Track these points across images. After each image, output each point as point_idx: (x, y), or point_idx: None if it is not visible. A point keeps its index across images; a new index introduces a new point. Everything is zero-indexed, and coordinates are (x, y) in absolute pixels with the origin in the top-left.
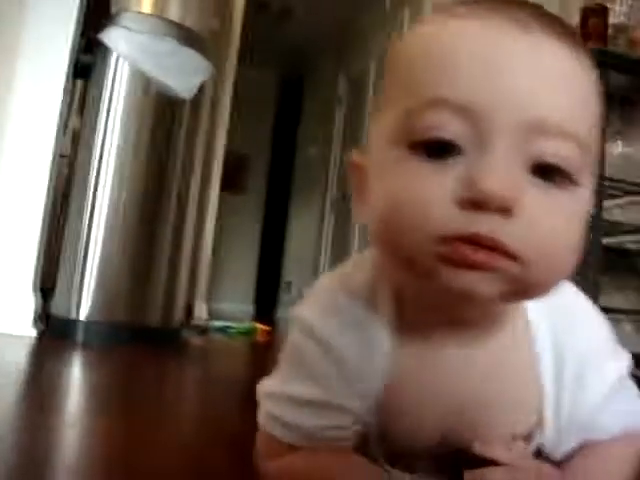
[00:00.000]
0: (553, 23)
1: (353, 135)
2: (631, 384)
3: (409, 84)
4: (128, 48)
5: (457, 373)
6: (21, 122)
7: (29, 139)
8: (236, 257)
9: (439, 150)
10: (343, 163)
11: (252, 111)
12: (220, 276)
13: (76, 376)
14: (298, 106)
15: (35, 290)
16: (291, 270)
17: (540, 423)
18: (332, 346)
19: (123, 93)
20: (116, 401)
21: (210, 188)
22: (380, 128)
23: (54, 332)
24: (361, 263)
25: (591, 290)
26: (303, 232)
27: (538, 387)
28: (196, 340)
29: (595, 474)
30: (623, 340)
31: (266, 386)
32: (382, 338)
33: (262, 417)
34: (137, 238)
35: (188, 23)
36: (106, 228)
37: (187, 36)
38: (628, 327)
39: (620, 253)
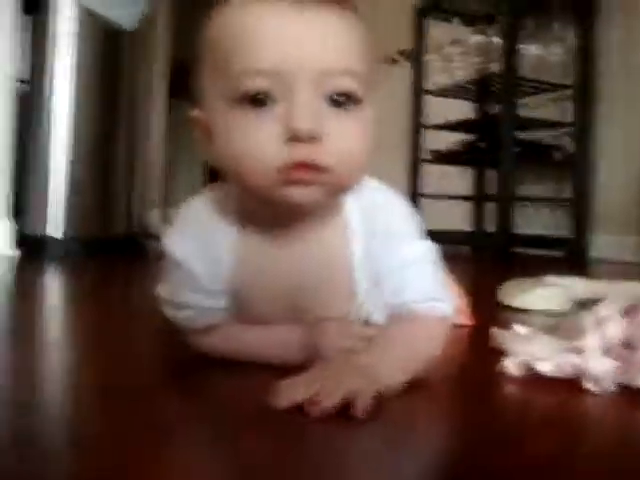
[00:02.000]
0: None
1: None
2: (433, 268)
3: (229, 58)
4: None
5: (289, 263)
6: None
7: None
8: (187, 163)
9: (260, 102)
10: None
11: (197, 13)
12: (173, 182)
13: (57, 283)
14: None
15: (9, 214)
16: None
17: (354, 295)
18: (188, 267)
19: (70, 26)
20: (94, 296)
21: (155, 94)
22: (213, 90)
23: (29, 251)
24: (214, 189)
25: (508, 180)
26: None
27: (352, 264)
28: (157, 247)
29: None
30: (541, 223)
31: (161, 292)
32: (228, 241)
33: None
34: (95, 156)
35: None
36: (67, 152)
37: None
38: (546, 211)
39: (536, 146)
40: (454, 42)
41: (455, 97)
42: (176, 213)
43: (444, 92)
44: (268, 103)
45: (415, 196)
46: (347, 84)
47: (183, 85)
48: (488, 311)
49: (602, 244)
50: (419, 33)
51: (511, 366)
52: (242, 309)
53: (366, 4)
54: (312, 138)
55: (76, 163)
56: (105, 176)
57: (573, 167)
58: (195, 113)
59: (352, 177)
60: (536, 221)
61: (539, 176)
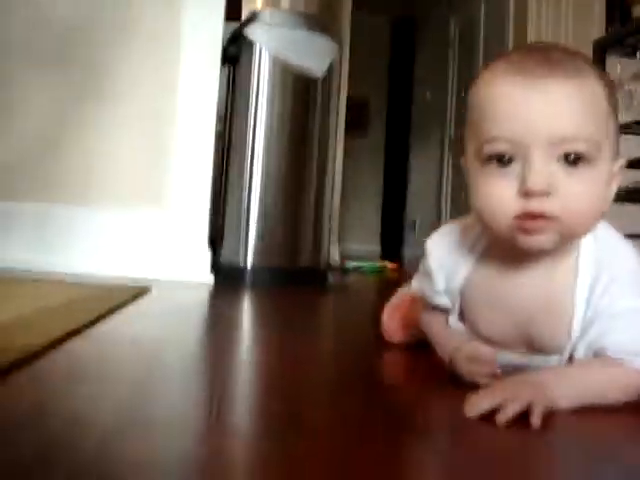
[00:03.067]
0: (557, 59)
1: (467, 76)
2: None
3: (480, 124)
4: (268, 40)
5: (516, 296)
6: (188, 101)
7: (196, 117)
8: (361, 200)
9: (501, 163)
10: (458, 105)
11: (367, 56)
12: (348, 219)
13: (248, 308)
14: (411, 50)
15: (208, 244)
16: (415, 210)
17: (570, 333)
18: (440, 262)
19: (267, 76)
20: (280, 324)
21: (337, 135)
22: (470, 149)
23: (224, 278)
24: (470, 219)
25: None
26: (424, 172)
27: (574, 305)
28: (335, 279)
29: (575, 376)
30: None
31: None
32: (467, 266)
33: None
34: (286, 195)
35: (313, 10)
36: (261, 189)
37: (316, 24)
38: None
39: None
40: (636, 77)
41: (638, 134)
42: (442, 227)
43: (626, 130)
44: (508, 163)
45: None
46: (576, 147)
47: (356, 121)
48: None
49: None
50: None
51: None
52: (469, 321)
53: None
54: (543, 194)
55: (268, 200)
56: (294, 212)
57: None
58: (462, 162)
59: (580, 227)
60: None
61: None
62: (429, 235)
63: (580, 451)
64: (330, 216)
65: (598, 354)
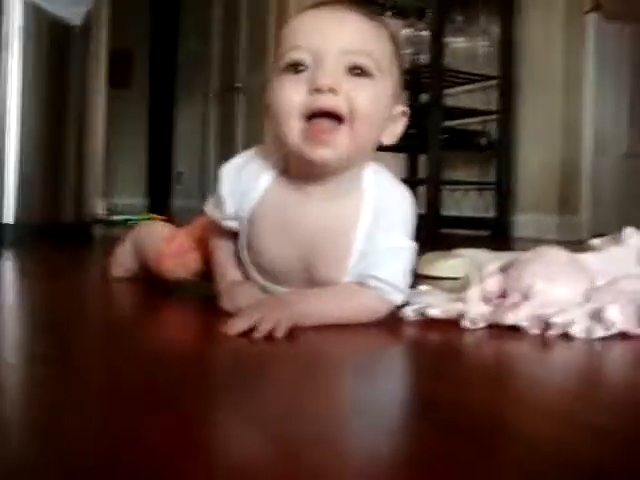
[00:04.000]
0: (358, 9)
1: (232, 26)
2: (407, 265)
3: (287, 42)
4: None
5: (306, 218)
6: None
7: None
8: (127, 153)
9: (297, 70)
10: (224, 56)
11: (130, 5)
12: (112, 172)
13: (8, 265)
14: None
15: None
16: (181, 161)
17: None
18: (230, 188)
19: (20, 24)
20: (41, 277)
21: (98, 86)
22: (275, 69)
23: None
24: (263, 146)
25: (436, 165)
26: (189, 124)
27: (356, 235)
28: (101, 233)
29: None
30: (468, 205)
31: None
32: (262, 183)
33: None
34: (46, 149)
35: None
36: (18, 145)
37: None
38: (473, 195)
39: (463, 134)
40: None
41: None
42: (236, 156)
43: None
44: (303, 70)
45: None
46: (360, 60)
47: (121, 74)
48: None
49: (524, 223)
50: None
51: (409, 312)
52: (253, 249)
53: None
54: (330, 90)
55: (27, 155)
56: (55, 166)
57: (497, 152)
58: (266, 100)
59: (365, 138)
60: (464, 203)
61: (466, 161)
62: (195, 186)
63: (312, 356)
64: (94, 170)
65: (362, 280)
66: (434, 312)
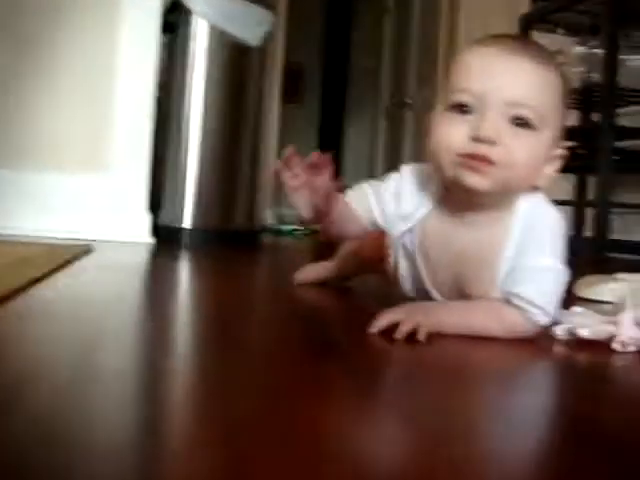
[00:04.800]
0: (532, 49)
1: (402, 43)
2: (555, 287)
3: (455, 80)
4: (205, 9)
5: (459, 241)
6: (128, 69)
7: (136, 85)
8: None
9: (461, 110)
10: (394, 70)
11: (304, 22)
12: (281, 183)
13: (186, 265)
14: (348, 16)
15: (148, 206)
16: (348, 176)
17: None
18: (398, 189)
19: (204, 45)
20: (216, 277)
21: (272, 101)
22: (441, 100)
23: (163, 240)
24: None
25: (605, 187)
26: (358, 139)
27: (503, 257)
28: (269, 241)
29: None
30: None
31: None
32: (428, 199)
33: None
34: (222, 160)
35: None
36: (198, 154)
37: None
38: None
39: (636, 155)
40: (557, 52)
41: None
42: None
43: None
44: (467, 112)
45: None
46: (525, 113)
47: (292, 89)
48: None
49: None
50: None
51: (558, 330)
52: (408, 264)
53: (474, 15)
54: (491, 142)
55: (205, 165)
56: (230, 176)
57: None
58: (428, 118)
59: (516, 179)
60: (635, 228)
61: (639, 184)
62: None
63: (458, 364)
64: (265, 181)
65: (506, 301)
66: (584, 332)
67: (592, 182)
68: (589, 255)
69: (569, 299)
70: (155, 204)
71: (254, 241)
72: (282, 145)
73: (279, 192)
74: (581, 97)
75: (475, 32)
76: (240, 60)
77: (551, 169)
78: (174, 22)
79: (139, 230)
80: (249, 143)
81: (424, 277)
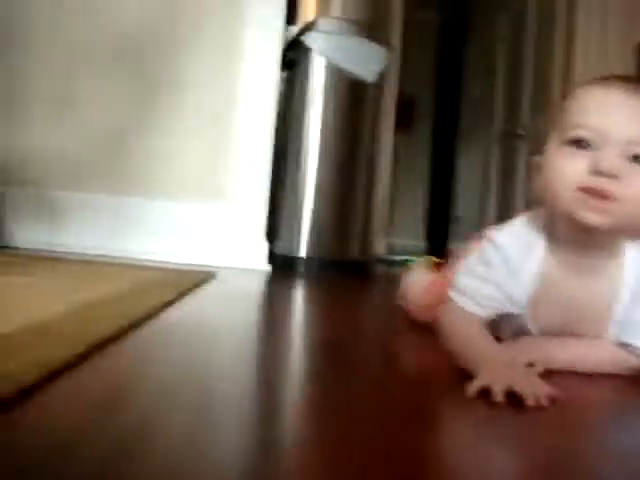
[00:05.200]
0: None
1: (516, 72)
2: None
3: (572, 116)
4: (323, 47)
5: (574, 287)
6: (249, 102)
7: (256, 117)
8: (408, 196)
9: (579, 145)
10: (507, 100)
11: (416, 53)
12: (395, 214)
13: (302, 293)
14: (460, 47)
15: (265, 235)
16: (460, 205)
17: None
18: (504, 251)
19: (321, 80)
20: (331, 306)
21: (386, 133)
22: (554, 138)
23: (279, 268)
24: (531, 214)
25: None
26: (470, 168)
27: (617, 304)
28: (382, 272)
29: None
30: None
31: (461, 276)
32: (538, 254)
33: (452, 294)
34: (337, 191)
35: (365, 17)
36: (314, 186)
37: (367, 31)
38: None
39: None
40: None
41: None
42: (505, 222)
43: None
44: (585, 147)
45: None
46: None
47: (404, 120)
48: None
49: None
50: None
51: None
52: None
53: (589, 42)
54: (611, 176)
55: (321, 196)
56: (344, 206)
57: None
58: (536, 159)
59: (634, 217)
60: None
61: None
62: (471, 231)
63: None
64: (379, 212)
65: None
66: None
67: None
68: None
69: None
70: (271, 233)
71: (366, 271)
72: (395, 175)
73: (391, 222)
74: None
75: (591, 61)
76: (356, 95)
77: None
78: (294, 59)
79: (257, 258)
80: (364, 174)
81: (529, 325)
